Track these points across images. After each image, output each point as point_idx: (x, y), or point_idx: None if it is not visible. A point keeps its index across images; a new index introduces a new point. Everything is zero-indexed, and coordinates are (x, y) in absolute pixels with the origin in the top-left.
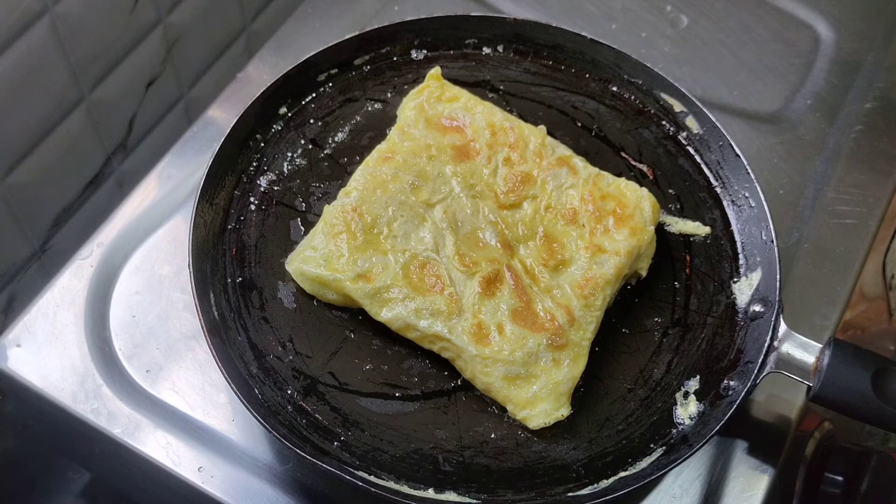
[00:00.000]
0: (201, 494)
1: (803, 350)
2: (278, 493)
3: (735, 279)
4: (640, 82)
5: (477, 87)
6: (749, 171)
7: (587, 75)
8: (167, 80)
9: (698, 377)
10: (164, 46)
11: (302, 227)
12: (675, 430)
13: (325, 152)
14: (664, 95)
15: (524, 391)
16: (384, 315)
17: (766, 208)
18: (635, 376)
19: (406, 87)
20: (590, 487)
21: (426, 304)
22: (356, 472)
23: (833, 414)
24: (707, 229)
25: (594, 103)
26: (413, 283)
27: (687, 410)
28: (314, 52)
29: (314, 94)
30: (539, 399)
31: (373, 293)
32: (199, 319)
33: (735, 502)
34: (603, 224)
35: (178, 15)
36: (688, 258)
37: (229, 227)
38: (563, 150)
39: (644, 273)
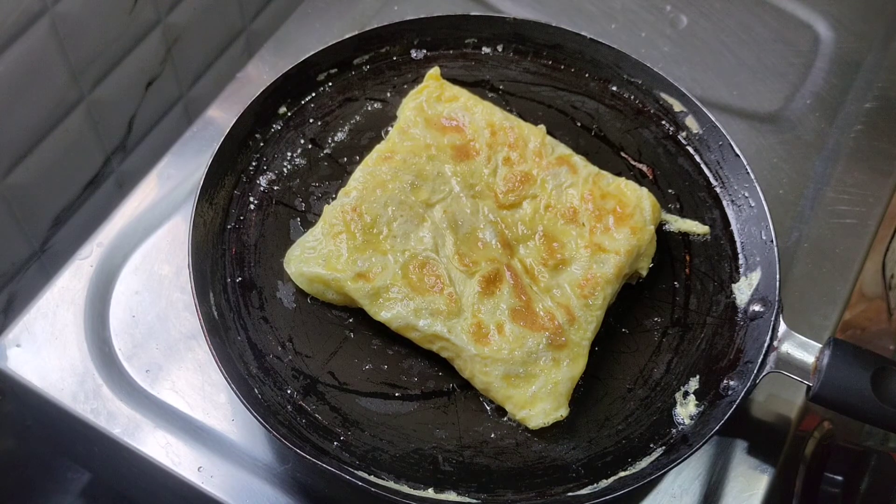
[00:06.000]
0: (201, 494)
1: (803, 350)
2: (278, 493)
3: (735, 279)
4: (640, 82)
5: (476, 86)
6: (749, 170)
7: (587, 75)
8: (167, 80)
9: (698, 377)
10: (164, 46)
11: (302, 227)
12: (674, 430)
13: (325, 152)
14: (664, 95)
15: (523, 391)
16: (383, 315)
17: (766, 208)
18: (635, 376)
19: (406, 86)
20: (589, 487)
21: (426, 304)
22: (356, 471)
23: (833, 414)
24: (706, 227)
25: (594, 103)
26: (412, 283)
27: (686, 410)
28: (314, 52)
29: (314, 94)
30: (538, 399)
31: (372, 293)
32: (199, 319)
33: (735, 502)
34: (603, 223)
35: (178, 15)
36: (687, 258)
37: (229, 226)
38: (563, 150)
39: (644, 273)
